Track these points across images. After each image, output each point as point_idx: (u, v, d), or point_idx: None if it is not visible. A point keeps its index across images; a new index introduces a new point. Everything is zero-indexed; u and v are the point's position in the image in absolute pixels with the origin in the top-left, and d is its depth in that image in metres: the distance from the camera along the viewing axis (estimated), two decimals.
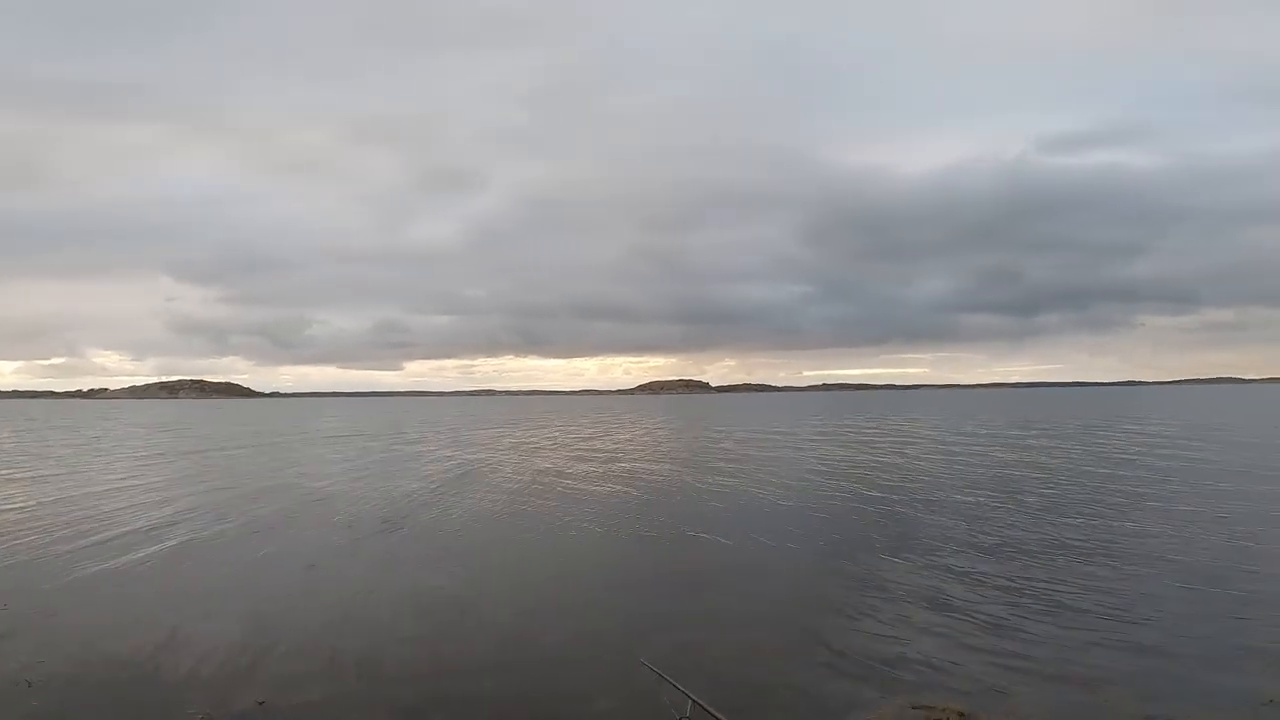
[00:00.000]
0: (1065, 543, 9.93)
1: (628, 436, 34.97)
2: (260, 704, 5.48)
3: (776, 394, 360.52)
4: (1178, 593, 7.61)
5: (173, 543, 10.98)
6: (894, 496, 14.38)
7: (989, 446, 25.94)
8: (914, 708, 5.18)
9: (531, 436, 35.70)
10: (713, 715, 4.19)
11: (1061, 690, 5.38)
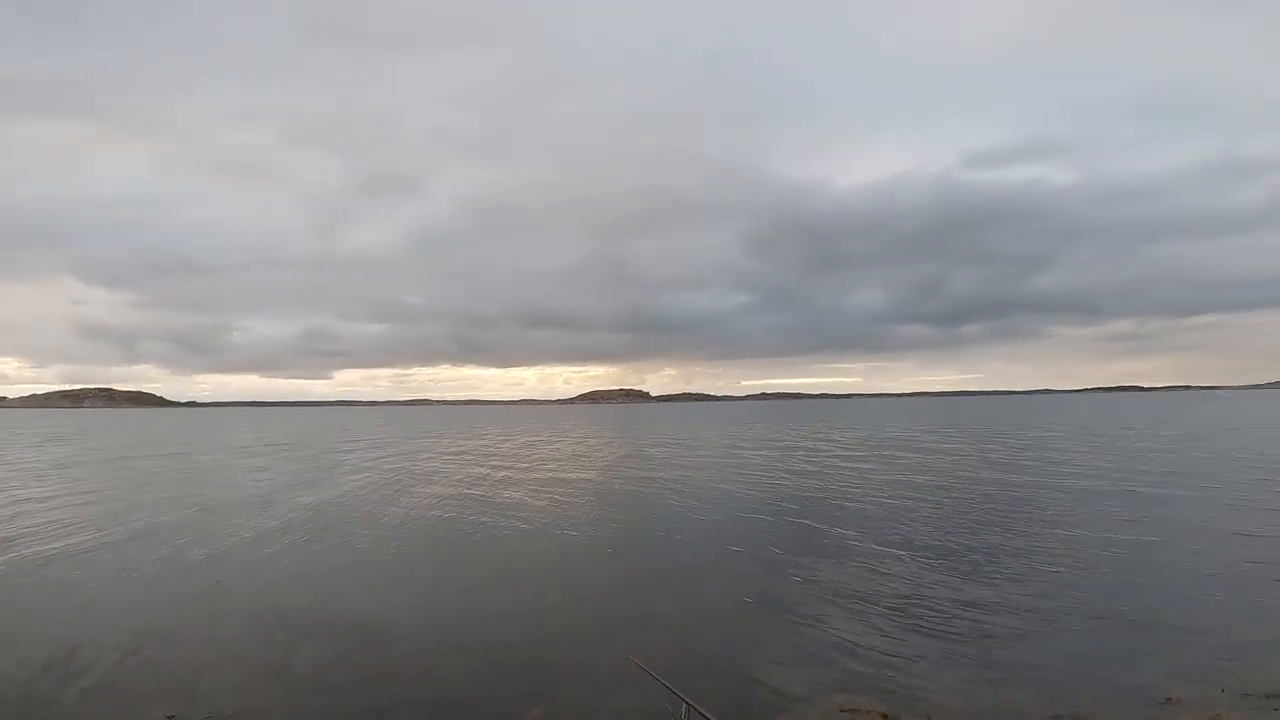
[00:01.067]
0: (976, 550, 10.28)
1: (544, 451, 34.71)
2: (170, 718, 5.30)
3: (715, 403, 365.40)
4: (1084, 596, 7.96)
5: (65, 556, 10.17)
6: (812, 507, 14.57)
7: (902, 456, 26.84)
8: (841, 710, 5.27)
9: (456, 447, 35.01)
10: (706, 718, 4.13)
11: (977, 690, 5.57)
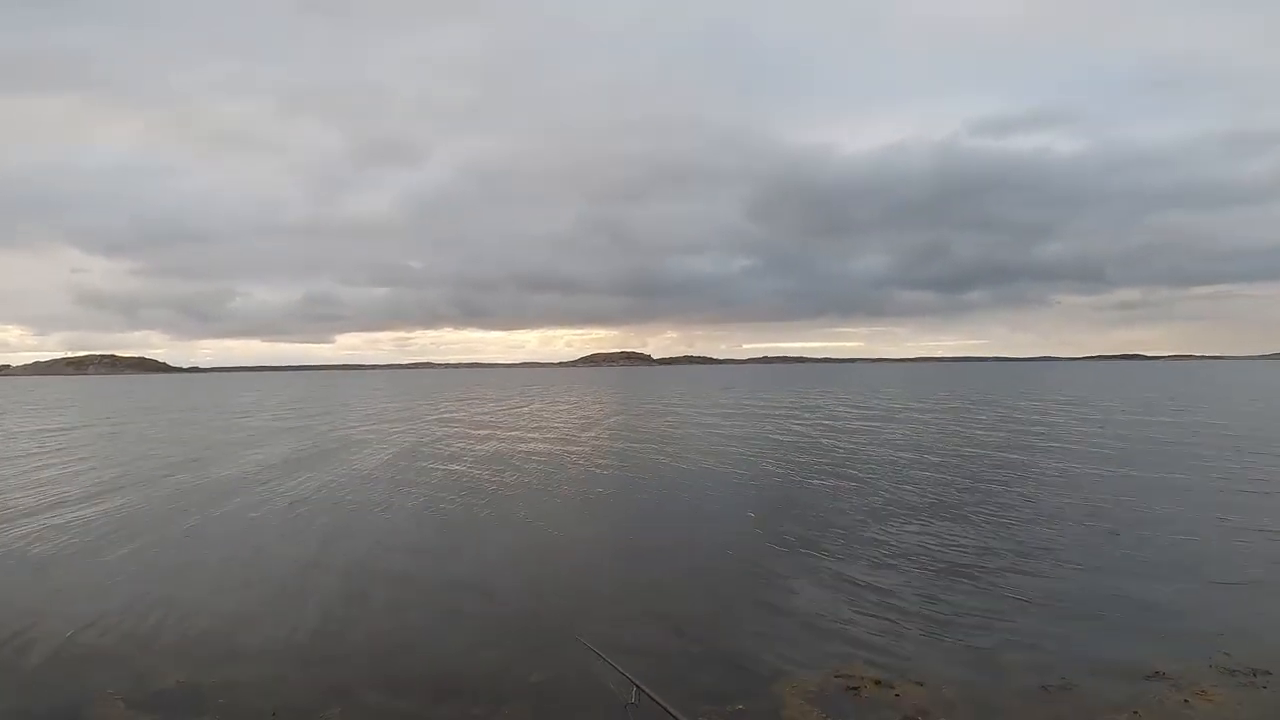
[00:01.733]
0: (966, 524, 10.34)
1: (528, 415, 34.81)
2: (180, 683, 5.38)
3: (717, 366, 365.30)
4: (1072, 572, 8.01)
5: (77, 521, 10.36)
6: (805, 475, 14.68)
7: (901, 423, 26.92)
8: (835, 676, 5.39)
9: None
10: (657, 702, 4.16)
11: (967, 659, 5.67)
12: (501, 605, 7.09)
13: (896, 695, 5.07)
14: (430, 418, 30.83)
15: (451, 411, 34.94)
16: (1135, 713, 4.80)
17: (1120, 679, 5.28)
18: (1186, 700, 4.93)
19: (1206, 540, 9.15)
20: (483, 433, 24.42)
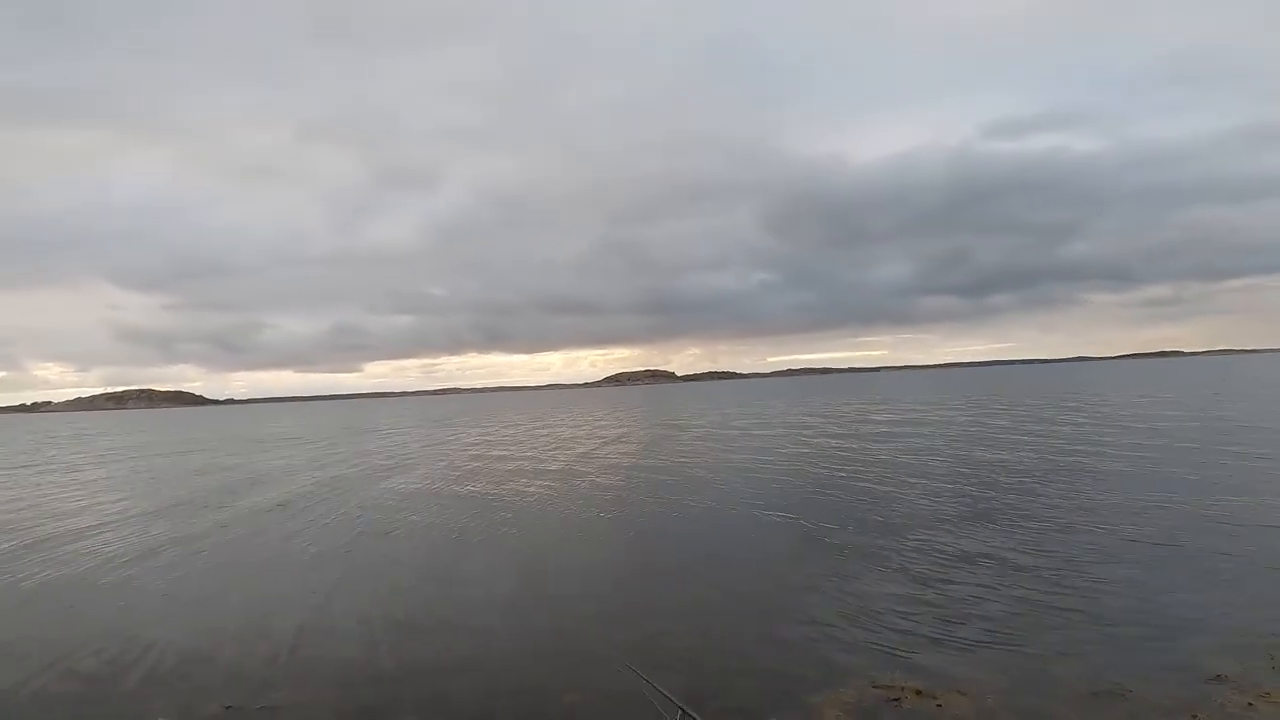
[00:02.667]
0: (1004, 527, 10.15)
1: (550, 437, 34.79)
2: (227, 709, 5.43)
3: (741, 381, 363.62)
4: (1128, 570, 7.81)
5: (121, 550, 10.51)
6: (846, 483, 14.52)
7: (925, 433, 26.47)
8: (874, 686, 5.26)
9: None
10: None
11: (1012, 667, 5.49)
12: (536, 626, 7.06)
13: (938, 705, 4.92)
14: (457, 443, 31.08)
15: (488, 434, 35.19)
16: (1194, 716, 4.59)
17: (1177, 683, 5.07)
18: (1250, 703, 4.71)
19: (1263, 544, 8.69)
20: (508, 451, 24.54)
